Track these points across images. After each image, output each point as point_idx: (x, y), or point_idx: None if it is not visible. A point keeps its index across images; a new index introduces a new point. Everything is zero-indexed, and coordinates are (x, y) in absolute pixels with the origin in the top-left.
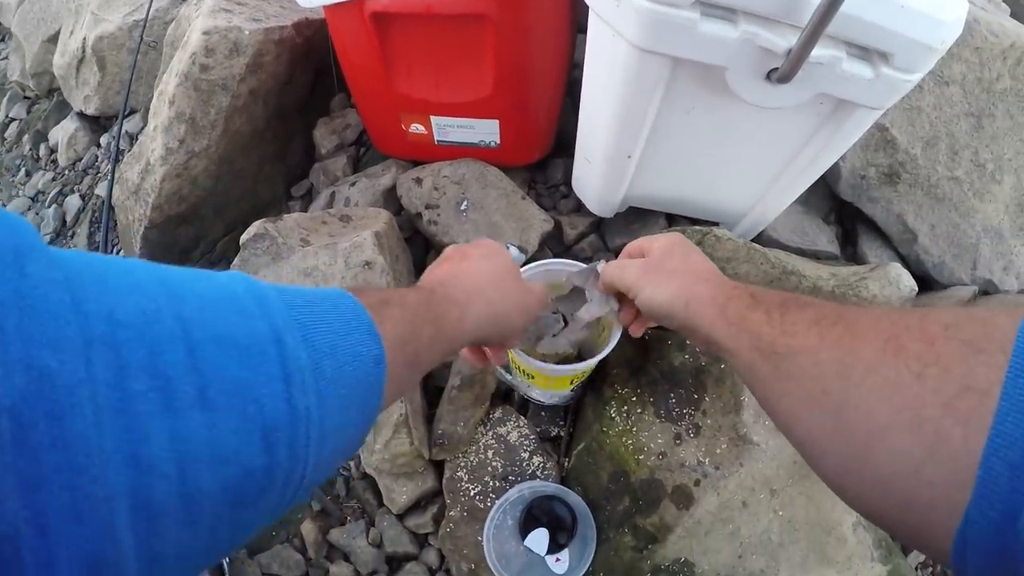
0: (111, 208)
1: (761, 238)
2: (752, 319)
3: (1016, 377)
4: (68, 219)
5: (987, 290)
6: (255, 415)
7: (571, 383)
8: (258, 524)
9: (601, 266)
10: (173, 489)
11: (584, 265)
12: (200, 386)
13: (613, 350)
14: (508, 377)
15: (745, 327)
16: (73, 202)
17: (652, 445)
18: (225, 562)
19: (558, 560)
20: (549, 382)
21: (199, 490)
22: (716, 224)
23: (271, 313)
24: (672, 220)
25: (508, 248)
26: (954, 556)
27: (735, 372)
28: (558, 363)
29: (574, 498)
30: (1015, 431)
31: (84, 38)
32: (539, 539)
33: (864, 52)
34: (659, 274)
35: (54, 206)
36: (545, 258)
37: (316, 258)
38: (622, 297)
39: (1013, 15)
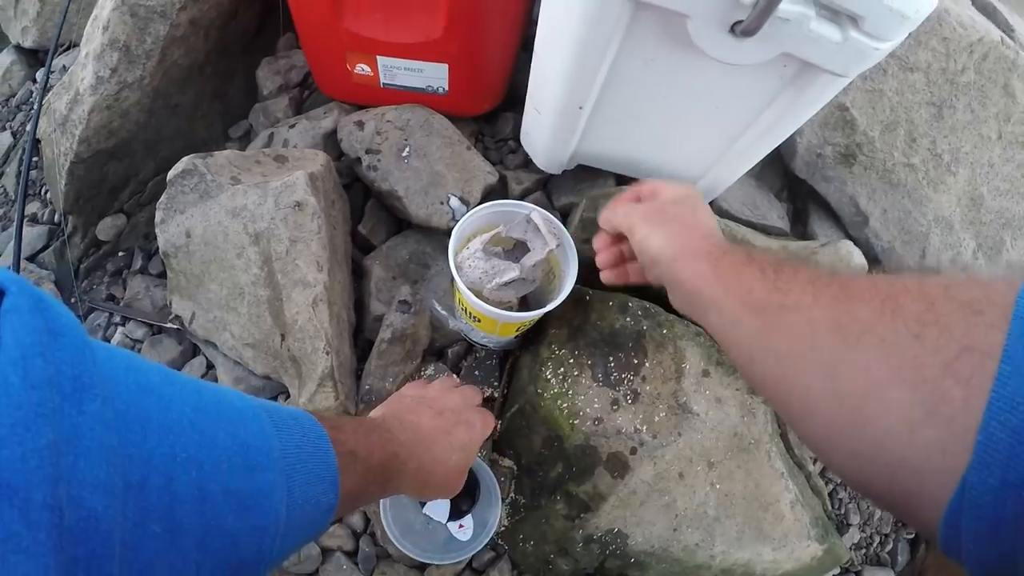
0: (36, 142)
1: (712, 208)
2: (745, 273)
3: (1017, 340)
4: None
5: None
6: (231, 553)
7: (516, 330)
8: None
9: (535, 215)
10: None
11: (527, 207)
12: (201, 535)
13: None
14: (444, 313)
15: (736, 281)
16: (3, 139)
17: (588, 410)
18: None
19: (461, 527)
20: (495, 327)
21: None
22: None
23: (272, 466)
24: (622, 181)
25: (450, 199)
26: (945, 524)
27: (713, 335)
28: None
29: (475, 461)
30: (1017, 394)
31: None
32: (439, 506)
33: (834, 15)
34: (661, 218)
35: None
36: None
37: (245, 197)
38: (615, 240)
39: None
